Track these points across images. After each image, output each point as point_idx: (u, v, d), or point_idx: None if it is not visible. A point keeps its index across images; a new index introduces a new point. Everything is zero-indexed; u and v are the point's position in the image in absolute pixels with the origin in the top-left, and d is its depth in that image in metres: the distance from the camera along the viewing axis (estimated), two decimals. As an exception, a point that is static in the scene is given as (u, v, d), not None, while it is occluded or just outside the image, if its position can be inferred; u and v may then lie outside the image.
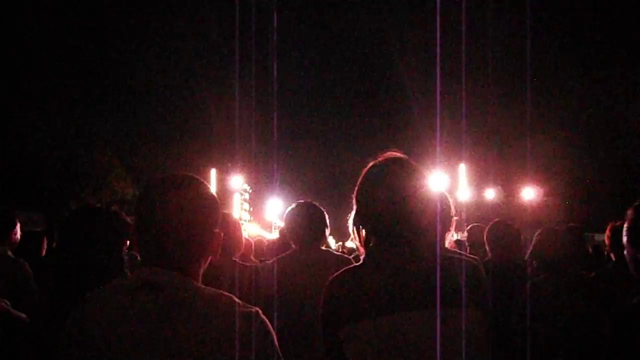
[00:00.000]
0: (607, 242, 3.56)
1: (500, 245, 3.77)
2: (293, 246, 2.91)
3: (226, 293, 1.26)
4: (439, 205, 1.53)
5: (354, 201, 1.56)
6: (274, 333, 1.26)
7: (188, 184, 1.29)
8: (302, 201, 3.00)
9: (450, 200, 2.36)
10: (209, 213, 1.30)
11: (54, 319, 1.79)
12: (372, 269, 1.47)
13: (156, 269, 1.24)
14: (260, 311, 1.25)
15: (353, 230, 1.56)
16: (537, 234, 3.07)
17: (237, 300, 1.25)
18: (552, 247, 2.91)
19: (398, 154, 1.58)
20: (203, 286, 1.27)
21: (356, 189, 1.55)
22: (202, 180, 1.32)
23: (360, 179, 1.55)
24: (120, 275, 1.91)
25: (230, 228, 2.95)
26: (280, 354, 1.26)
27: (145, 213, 1.26)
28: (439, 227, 1.51)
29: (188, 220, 1.25)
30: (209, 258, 1.33)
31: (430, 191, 1.50)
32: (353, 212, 1.56)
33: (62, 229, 2.19)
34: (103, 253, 2.04)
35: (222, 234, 1.34)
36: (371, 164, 1.56)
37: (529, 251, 3.09)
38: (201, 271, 1.32)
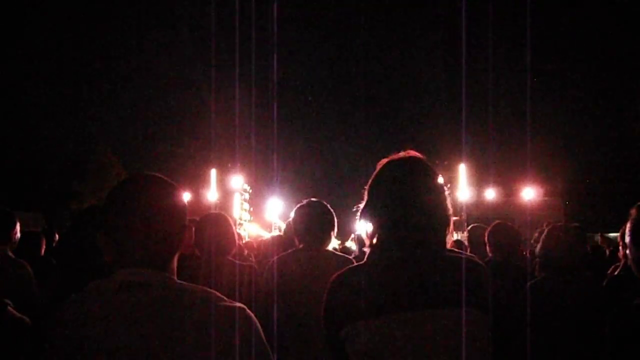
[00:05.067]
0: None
1: (501, 245, 3.82)
2: (297, 243, 2.90)
3: (208, 289, 1.27)
4: (449, 207, 1.53)
5: (365, 194, 1.56)
6: (260, 328, 1.25)
7: (156, 183, 1.32)
8: (312, 200, 2.99)
9: (449, 201, 2.37)
10: (178, 207, 1.32)
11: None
12: (375, 268, 1.47)
13: (136, 268, 1.24)
14: (245, 307, 1.25)
15: (360, 223, 1.56)
16: (544, 232, 3.04)
17: (220, 295, 1.25)
18: (558, 246, 2.89)
19: (414, 153, 1.58)
20: (184, 282, 1.28)
21: (369, 182, 1.56)
22: (166, 178, 1.35)
23: (374, 173, 1.56)
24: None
25: (223, 227, 2.94)
26: (269, 349, 1.26)
27: (118, 214, 1.27)
28: (445, 228, 1.51)
29: (162, 219, 1.27)
30: (180, 252, 1.35)
31: (440, 192, 1.51)
32: (362, 205, 1.56)
33: (65, 228, 2.20)
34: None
35: (192, 228, 1.36)
36: (387, 159, 1.57)
37: (537, 249, 3.06)
38: (175, 266, 1.33)
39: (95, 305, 1.22)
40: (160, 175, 1.35)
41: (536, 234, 4.88)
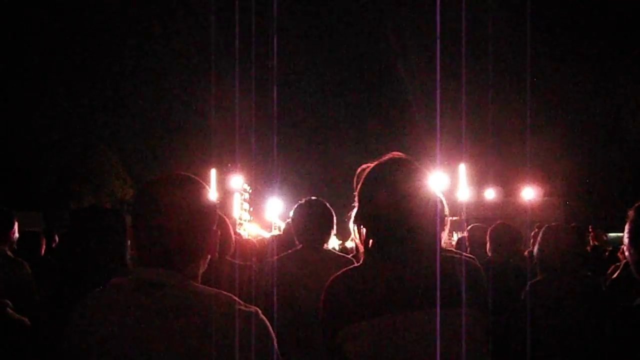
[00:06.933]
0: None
1: (501, 246, 3.83)
2: (297, 244, 2.89)
3: (225, 292, 1.26)
4: (438, 206, 1.53)
5: (356, 200, 1.56)
6: (273, 333, 1.25)
7: (185, 184, 1.29)
8: (312, 198, 2.97)
9: (444, 200, 2.36)
10: (206, 212, 1.30)
11: (55, 319, 1.79)
12: (372, 269, 1.47)
13: (155, 268, 1.24)
14: (259, 311, 1.25)
15: (353, 229, 1.56)
16: (540, 233, 3.03)
17: (236, 299, 1.25)
18: (554, 246, 2.89)
19: (401, 155, 1.58)
20: (202, 286, 1.27)
21: (359, 187, 1.56)
22: (198, 179, 1.33)
23: (363, 177, 1.56)
24: (123, 275, 1.91)
25: (221, 228, 2.93)
26: (279, 354, 1.25)
27: (142, 213, 1.27)
28: (438, 228, 1.51)
29: (186, 220, 1.25)
30: (208, 258, 1.34)
31: (430, 192, 1.51)
32: (354, 211, 1.56)
33: (65, 228, 2.19)
34: (105, 253, 2.04)
35: (219, 233, 1.34)
36: (375, 163, 1.57)
37: (535, 249, 3.06)
38: (200, 271, 1.32)
39: (111, 303, 1.23)
40: (192, 177, 1.32)
41: (532, 234, 4.87)
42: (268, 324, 1.25)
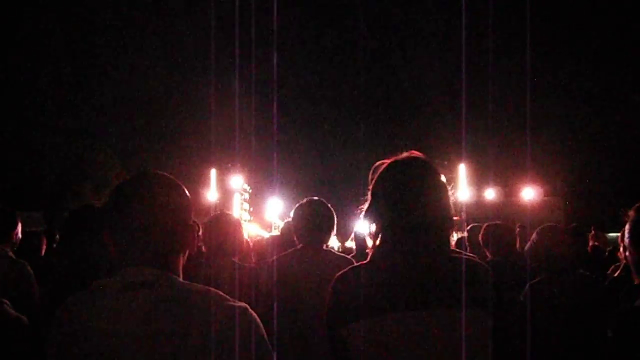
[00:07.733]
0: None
1: (498, 245, 3.83)
2: (297, 243, 2.89)
3: (212, 289, 1.27)
4: (452, 208, 1.53)
5: (369, 194, 1.56)
6: (262, 328, 1.25)
7: (160, 181, 1.31)
8: (313, 198, 2.97)
9: (454, 201, 2.37)
10: (184, 208, 1.31)
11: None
12: (379, 267, 1.48)
13: (139, 268, 1.24)
14: (248, 307, 1.25)
15: (366, 223, 1.57)
16: (537, 232, 3.04)
17: (224, 295, 1.25)
18: (552, 246, 2.89)
19: (419, 154, 1.58)
20: (189, 283, 1.28)
21: (373, 182, 1.56)
22: (171, 176, 1.34)
23: (378, 173, 1.56)
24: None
25: (230, 229, 2.94)
26: (270, 348, 1.26)
27: (122, 213, 1.27)
28: (449, 228, 1.51)
29: (166, 217, 1.27)
30: (187, 252, 1.34)
31: (444, 192, 1.51)
32: (366, 205, 1.56)
33: (64, 228, 2.19)
34: (104, 252, 2.04)
35: (197, 226, 1.35)
36: (392, 160, 1.57)
37: (527, 248, 3.06)
38: (181, 266, 1.33)
39: (99, 304, 1.22)
40: (165, 174, 1.34)
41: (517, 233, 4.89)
42: (258, 319, 1.25)
